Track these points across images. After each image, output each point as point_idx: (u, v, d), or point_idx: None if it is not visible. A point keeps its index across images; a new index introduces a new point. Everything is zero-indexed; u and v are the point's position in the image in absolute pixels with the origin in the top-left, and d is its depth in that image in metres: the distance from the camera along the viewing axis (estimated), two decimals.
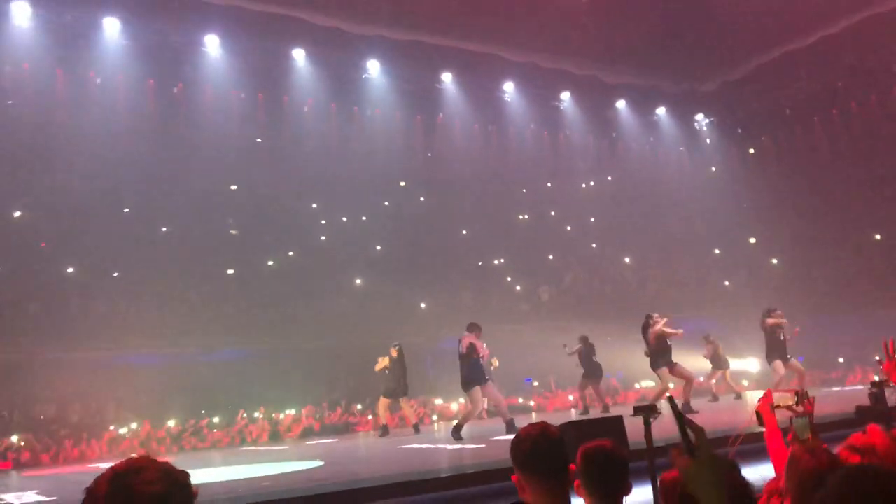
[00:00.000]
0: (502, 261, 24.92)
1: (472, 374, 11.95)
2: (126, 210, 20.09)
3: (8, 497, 8.24)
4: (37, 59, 18.40)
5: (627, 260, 25.92)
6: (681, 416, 1.88)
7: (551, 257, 25.49)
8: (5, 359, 16.69)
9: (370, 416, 18.09)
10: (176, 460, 1.77)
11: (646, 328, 13.59)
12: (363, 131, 22.82)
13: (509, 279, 24.70)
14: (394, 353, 15.10)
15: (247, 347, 19.45)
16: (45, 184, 18.33)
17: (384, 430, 15.00)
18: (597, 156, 25.96)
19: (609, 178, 26.61)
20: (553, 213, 25.91)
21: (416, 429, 14.80)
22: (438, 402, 19.53)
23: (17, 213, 19.40)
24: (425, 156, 24.34)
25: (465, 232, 24.88)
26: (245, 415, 17.83)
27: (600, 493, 3.05)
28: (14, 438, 15.64)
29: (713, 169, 26.58)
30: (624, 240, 25.20)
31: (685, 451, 1.84)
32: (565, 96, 24.61)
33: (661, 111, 26.27)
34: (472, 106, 23.34)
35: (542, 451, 2.77)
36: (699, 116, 27.21)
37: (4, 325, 17.21)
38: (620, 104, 25.56)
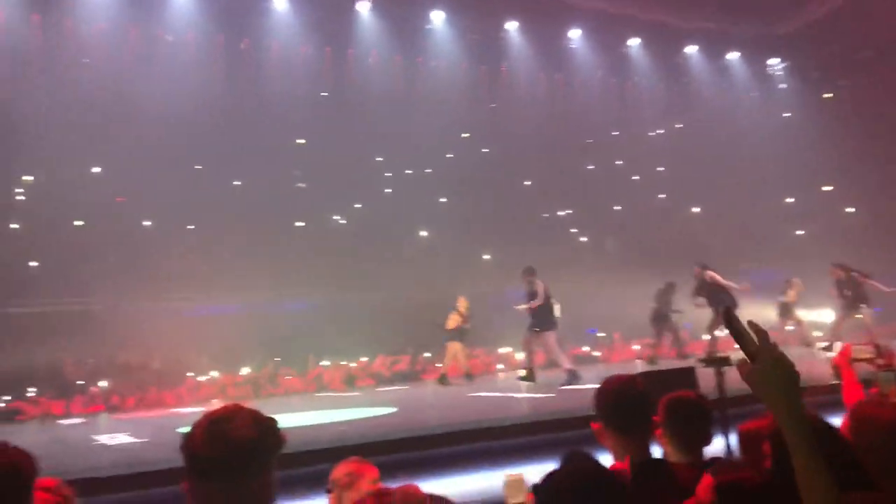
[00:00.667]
0: (568, 212, 24.75)
1: (547, 319, 12.18)
2: (198, 166, 20.58)
3: (101, 438, 8.75)
4: (111, 18, 18.84)
5: (696, 210, 25.42)
6: (734, 320, 1.72)
7: (618, 208, 25.19)
8: (88, 309, 17.55)
9: (437, 365, 18.42)
10: (254, 407, 1.87)
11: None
12: (427, 83, 22.73)
13: (574, 230, 24.56)
14: (462, 304, 15.29)
15: (316, 298, 19.96)
16: (121, 141, 18.85)
17: (469, 377, 15.15)
18: (666, 103, 25.27)
19: (678, 126, 25.95)
20: (620, 163, 25.48)
21: (469, 377, 15.02)
22: (503, 350, 19.75)
23: (95, 169, 20.10)
24: (489, 107, 24.13)
25: (529, 183, 24.74)
26: (318, 363, 18.39)
27: (683, 443, 3.10)
28: (102, 384, 16.52)
29: (787, 115, 25.65)
30: (693, 189, 24.67)
31: (746, 356, 1.68)
32: (633, 42, 23.96)
33: (732, 56, 25.35)
34: (537, 55, 22.92)
35: (627, 402, 2.83)
36: (773, 61, 26.18)
37: (86, 276, 18.02)
38: (690, 49, 24.76)
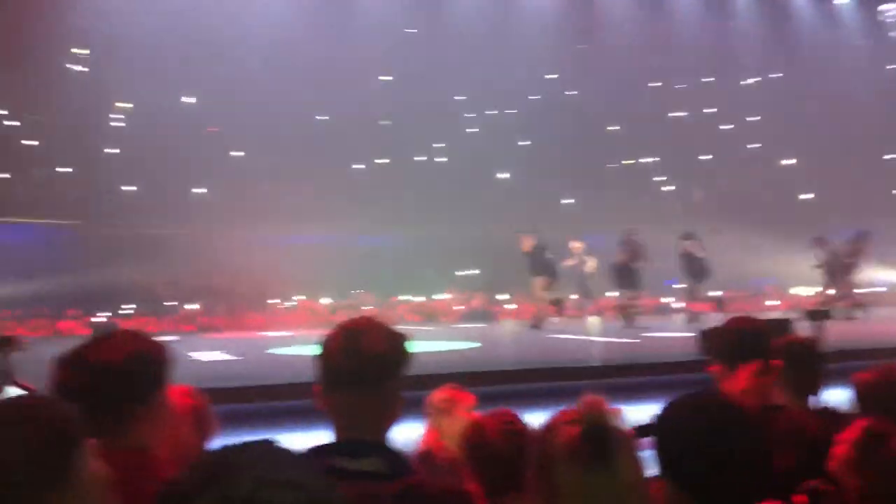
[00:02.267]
0: (655, 159, 24.18)
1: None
2: (287, 100, 20.86)
3: (196, 355, 9.17)
4: None
5: (792, 161, 24.46)
6: None
7: (708, 156, 24.45)
8: (179, 235, 18.22)
9: (513, 306, 18.56)
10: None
11: None
12: (515, 22, 22.27)
13: (661, 178, 24.02)
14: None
15: (395, 234, 20.21)
16: (214, 73, 19.21)
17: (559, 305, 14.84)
18: (766, 49, 24.12)
19: (779, 74, 24.76)
20: (713, 110, 24.58)
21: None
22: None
23: (189, 99, 20.58)
24: (577, 48, 23.51)
25: (615, 128, 24.19)
26: (398, 298, 18.77)
27: (794, 387, 3.05)
28: (192, 305, 17.27)
29: (893, 67, 24.18)
30: (789, 141, 23.68)
31: None
32: None
33: (841, 0, 23.95)
34: None
35: (748, 342, 2.79)
36: (885, 6, 24.60)
37: (177, 204, 18.67)
38: None
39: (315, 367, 1.87)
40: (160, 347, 1.94)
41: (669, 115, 24.30)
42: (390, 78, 22.26)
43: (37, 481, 1.30)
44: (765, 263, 18.36)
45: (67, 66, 19.53)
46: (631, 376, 6.73)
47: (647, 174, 24.02)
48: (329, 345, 1.88)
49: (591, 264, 14.89)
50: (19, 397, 1.56)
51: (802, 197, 23.37)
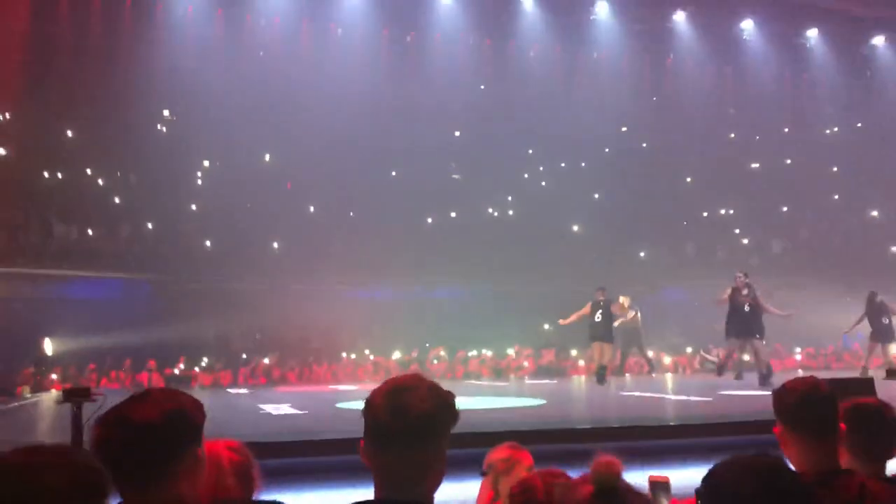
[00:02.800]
0: (730, 211, 23.66)
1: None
2: (360, 155, 21.37)
3: (267, 408, 9.29)
4: (286, 13, 19.94)
5: (874, 213, 23.56)
6: None
7: (785, 209, 23.79)
8: (255, 289, 18.65)
9: (581, 362, 18.22)
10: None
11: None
12: (587, 75, 22.38)
13: (737, 231, 23.44)
14: (625, 302, 14.92)
15: (466, 288, 20.20)
16: (291, 130, 19.86)
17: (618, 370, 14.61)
18: (845, 99, 23.51)
19: (858, 124, 24.06)
20: (789, 161, 24.01)
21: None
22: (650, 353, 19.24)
23: (266, 157, 21.30)
24: (650, 99, 23.42)
25: (689, 180, 23.84)
26: (468, 353, 18.68)
27: (865, 452, 2.88)
28: (266, 360, 17.56)
29: None
30: (871, 192, 22.86)
31: None
32: (812, 33, 22.48)
33: None
34: (705, 46, 21.99)
35: (815, 404, 2.66)
36: None
37: (253, 259, 19.17)
38: (877, 40, 22.89)
39: (363, 421, 1.87)
40: (196, 404, 1.97)
41: (746, 165, 23.85)
42: (458, 133, 22.56)
43: None
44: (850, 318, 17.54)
45: (158, 126, 20.56)
46: (696, 436, 6.47)
47: (724, 226, 23.50)
48: (375, 401, 1.88)
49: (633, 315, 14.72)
50: (55, 445, 1.60)
51: (894, 249, 22.47)
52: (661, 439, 6.68)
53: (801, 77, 23.49)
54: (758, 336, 11.74)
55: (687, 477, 1.99)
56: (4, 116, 19.09)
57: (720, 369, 12.68)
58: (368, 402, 1.88)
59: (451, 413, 1.89)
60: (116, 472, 1.71)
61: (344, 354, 18.45)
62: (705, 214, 23.49)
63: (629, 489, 1.69)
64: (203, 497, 2.15)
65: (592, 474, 1.71)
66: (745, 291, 11.70)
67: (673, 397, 10.56)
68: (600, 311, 13.83)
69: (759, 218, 23.26)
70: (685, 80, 22.91)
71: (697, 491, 1.91)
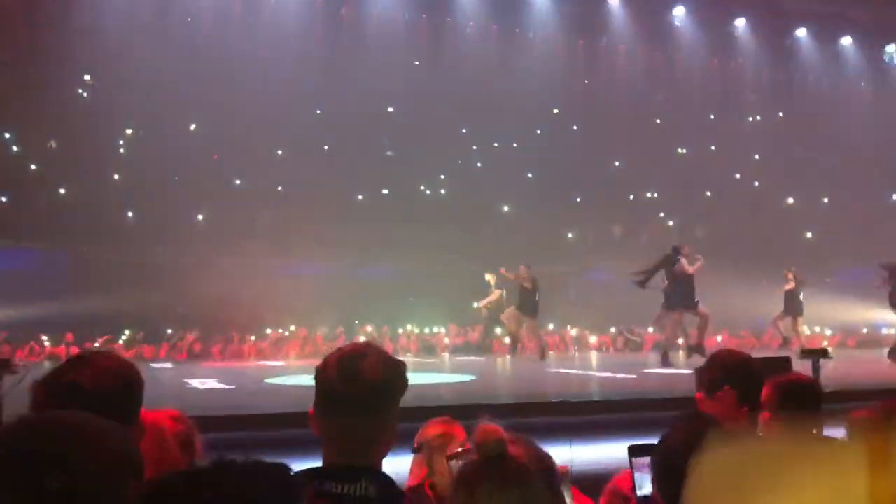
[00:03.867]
0: (655, 195, 24.24)
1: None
2: (289, 127, 20.97)
3: (193, 382, 9.09)
4: None
5: (790, 201, 24.50)
6: None
7: (708, 194, 24.52)
8: (179, 261, 18.18)
9: (506, 340, 18.49)
10: None
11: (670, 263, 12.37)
12: (522, 55, 22.46)
13: (662, 214, 24.06)
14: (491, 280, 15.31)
15: (395, 265, 20.14)
16: (218, 100, 19.34)
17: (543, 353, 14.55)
18: (769, 89, 24.30)
19: (780, 113, 24.92)
20: (713, 148, 24.70)
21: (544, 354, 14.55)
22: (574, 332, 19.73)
23: (192, 126, 20.68)
24: (583, 83, 23.69)
25: (617, 163, 24.28)
26: (396, 329, 18.68)
27: (794, 425, 2.99)
28: (189, 334, 17.19)
29: None
30: (790, 180, 23.75)
31: None
32: (740, 23, 23.08)
33: (846, 41, 24.12)
34: (638, 31, 22.35)
35: (745, 374, 2.79)
36: (891, 48, 24.80)
37: (177, 230, 18.66)
38: (801, 33, 23.67)
39: (314, 389, 1.86)
40: (135, 368, 1.90)
41: (672, 150, 24.43)
42: (392, 109, 22.39)
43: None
44: (761, 301, 18.22)
45: (79, 90, 19.73)
46: (618, 412, 6.62)
47: (650, 209, 24.08)
48: (327, 369, 1.88)
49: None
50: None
51: (807, 235, 23.47)
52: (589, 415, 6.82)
53: (728, 65, 24.15)
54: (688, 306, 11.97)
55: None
56: None
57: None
58: (320, 370, 1.88)
59: (403, 381, 1.90)
60: None
61: (269, 330, 18.20)
62: (631, 197, 24.00)
63: (513, 458, 1.70)
64: (148, 468, 2.07)
65: (476, 443, 1.71)
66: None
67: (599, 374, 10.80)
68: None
69: (682, 202, 23.90)
70: (617, 65, 23.29)
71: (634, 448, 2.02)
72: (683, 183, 23.65)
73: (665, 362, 11.42)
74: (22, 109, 18.34)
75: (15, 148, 19.04)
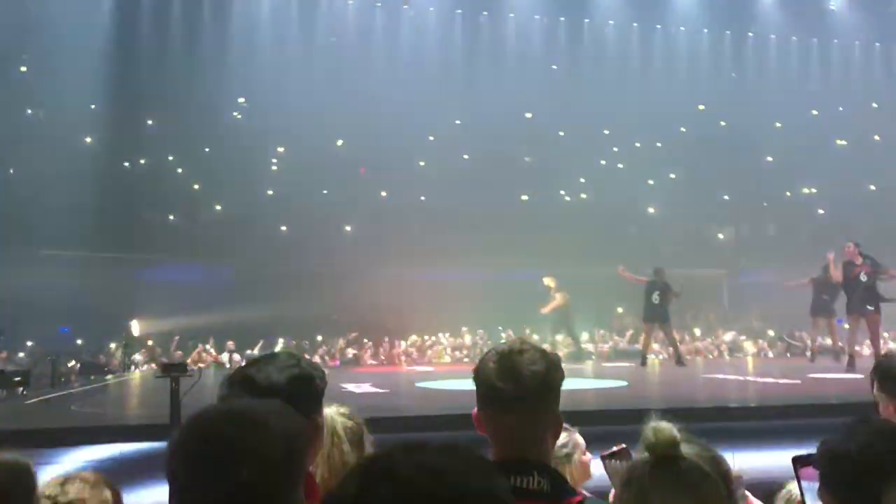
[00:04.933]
0: (813, 191, 22.85)
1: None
2: (431, 138, 21.39)
3: (349, 386, 9.42)
4: None
5: None
6: None
7: (873, 187, 22.82)
8: (332, 271, 18.92)
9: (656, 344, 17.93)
10: None
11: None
12: (663, 52, 21.84)
13: (821, 211, 22.65)
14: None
15: (539, 271, 20.00)
16: (364, 114, 19.99)
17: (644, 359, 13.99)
18: None
19: None
20: (877, 138, 22.97)
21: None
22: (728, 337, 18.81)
23: (339, 142, 21.48)
24: (730, 76, 22.71)
25: (770, 159, 23.07)
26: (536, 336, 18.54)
27: None
28: (343, 340, 17.86)
29: None
30: None
31: None
32: None
33: None
34: (789, 19, 21.19)
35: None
36: None
37: (330, 243, 19.47)
38: None
39: (476, 388, 1.87)
40: (319, 369, 1.98)
41: (831, 142, 22.93)
42: (530, 115, 22.31)
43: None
44: None
45: (234, 114, 21.01)
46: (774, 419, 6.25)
47: (807, 206, 22.74)
48: (486, 367, 1.87)
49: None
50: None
51: None
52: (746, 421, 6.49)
53: (892, 49, 22.43)
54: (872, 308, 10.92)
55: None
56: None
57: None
58: (480, 369, 1.89)
59: (560, 372, 1.90)
60: None
61: (414, 336, 18.61)
62: (788, 194, 22.74)
63: (685, 457, 1.61)
64: (317, 461, 2.16)
65: (648, 443, 1.63)
66: (858, 262, 10.96)
67: (758, 379, 10.27)
68: (657, 292, 13.42)
69: (843, 197, 22.38)
70: (767, 56, 22.20)
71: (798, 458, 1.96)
72: (843, 177, 22.13)
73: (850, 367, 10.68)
74: (183, 133, 19.81)
75: (180, 170, 20.50)
